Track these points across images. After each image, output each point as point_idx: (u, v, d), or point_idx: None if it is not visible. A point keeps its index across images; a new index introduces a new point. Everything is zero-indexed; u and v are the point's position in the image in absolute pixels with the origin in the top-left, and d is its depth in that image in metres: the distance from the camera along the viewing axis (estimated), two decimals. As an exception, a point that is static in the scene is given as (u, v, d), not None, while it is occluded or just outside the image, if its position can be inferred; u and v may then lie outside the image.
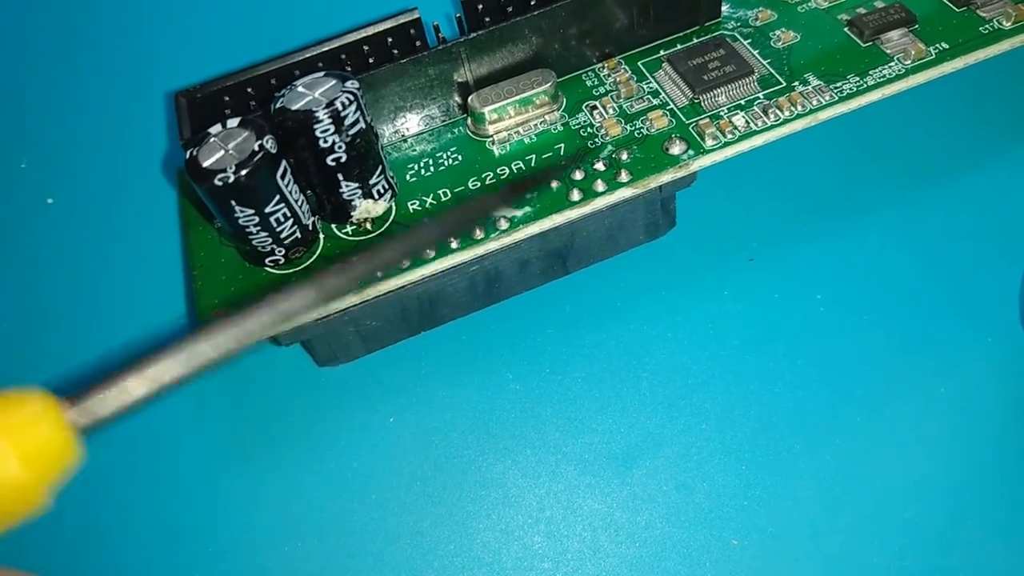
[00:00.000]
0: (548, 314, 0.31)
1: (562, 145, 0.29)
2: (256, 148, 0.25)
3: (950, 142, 0.33)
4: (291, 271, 0.27)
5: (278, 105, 0.25)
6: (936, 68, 0.29)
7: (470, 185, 0.28)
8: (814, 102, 0.28)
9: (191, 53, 0.42)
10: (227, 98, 0.29)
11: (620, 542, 0.27)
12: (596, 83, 0.30)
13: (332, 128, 0.25)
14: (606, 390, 0.29)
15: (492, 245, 0.27)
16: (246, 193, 0.25)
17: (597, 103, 0.30)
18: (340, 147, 0.25)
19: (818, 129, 0.29)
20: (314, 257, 0.27)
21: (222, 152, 0.25)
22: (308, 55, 0.29)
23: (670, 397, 0.29)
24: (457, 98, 0.30)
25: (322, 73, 0.26)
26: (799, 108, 0.28)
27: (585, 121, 0.29)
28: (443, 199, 0.28)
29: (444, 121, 0.30)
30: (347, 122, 0.25)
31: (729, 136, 0.28)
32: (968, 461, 0.27)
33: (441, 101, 0.30)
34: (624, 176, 0.27)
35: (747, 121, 0.28)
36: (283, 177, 0.25)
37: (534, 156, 0.29)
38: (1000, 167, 0.32)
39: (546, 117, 0.29)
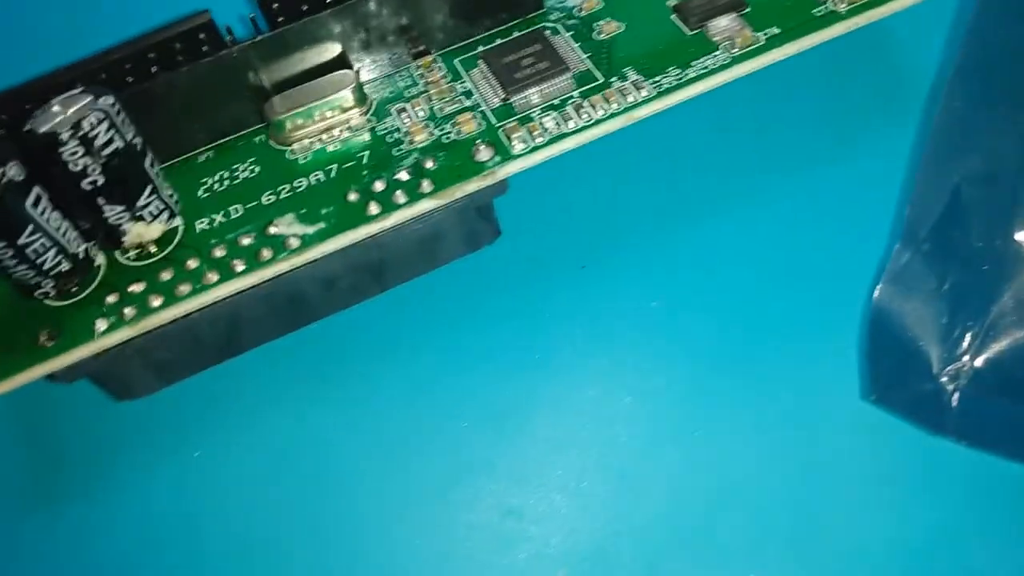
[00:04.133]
0: (364, 334, 0.29)
1: (366, 153, 0.27)
2: (-2, 176, 0.22)
3: (786, 136, 0.31)
4: (67, 302, 0.25)
5: (27, 127, 0.23)
6: (766, 55, 0.27)
7: (264, 200, 0.26)
8: (630, 99, 0.26)
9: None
10: (4, 116, 0.27)
11: (444, 573, 0.25)
12: (409, 84, 0.28)
13: (81, 151, 0.23)
14: (427, 411, 0.28)
15: (282, 266, 0.25)
16: (-7, 227, 0.23)
17: (407, 105, 0.28)
18: (94, 170, 0.23)
19: (646, 125, 0.27)
20: (93, 286, 0.25)
21: (-37, 181, 0.23)
22: (90, 67, 0.26)
23: (496, 417, 0.27)
24: (253, 105, 0.28)
25: (79, 89, 0.24)
26: (614, 106, 0.26)
27: (393, 126, 0.27)
28: (234, 216, 0.26)
29: (240, 131, 0.28)
30: (98, 143, 0.23)
31: (538, 140, 0.26)
32: (812, 479, 0.26)
33: (235, 109, 0.28)
34: (427, 186, 0.25)
35: (558, 123, 0.26)
36: (36, 205, 0.23)
37: (335, 166, 0.27)
38: (840, 160, 0.30)
39: (351, 122, 0.27)
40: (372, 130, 0.27)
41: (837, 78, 0.31)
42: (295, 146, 0.27)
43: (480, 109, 0.27)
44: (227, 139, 0.28)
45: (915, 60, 0.31)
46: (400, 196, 0.25)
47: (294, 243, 0.25)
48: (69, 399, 0.28)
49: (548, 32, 0.28)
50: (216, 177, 0.27)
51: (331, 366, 0.28)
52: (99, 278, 0.25)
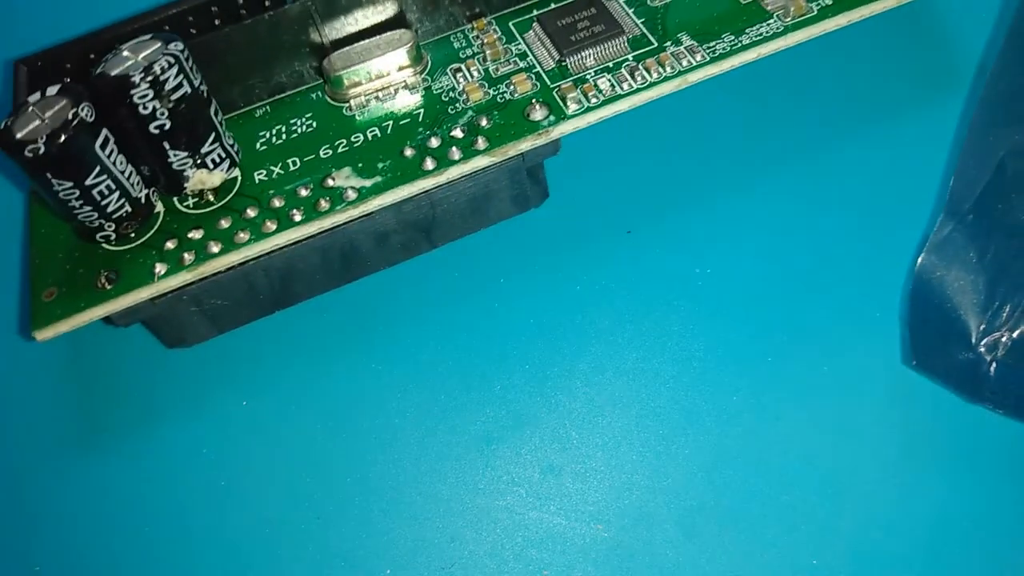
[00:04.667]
0: (413, 291, 0.29)
1: (422, 110, 0.27)
2: (70, 117, 0.23)
3: (834, 108, 0.31)
4: (126, 247, 0.26)
5: (98, 71, 0.24)
6: (817, 26, 0.27)
7: (321, 154, 0.27)
8: (684, 63, 0.27)
9: (32, 18, 0.39)
10: (69, 65, 0.27)
11: (481, 528, 0.26)
12: (464, 45, 0.29)
13: (151, 94, 0.23)
14: (472, 370, 0.28)
15: (339, 217, 0.25)
16: (61, 165, 0.23)
17: (462, 66, 0.28)
18: (163, 114, 0.24)
19: (697, 94, 0.27)
20: (152, 231, 0.26)
21: (37, 122, 0.23)
22: (154, 18, 0.27)
23: (539, 377, 0.28)
24: (313, 61, 0.28)
25: (149, 36, 0.24)
26: (668, 70, 0.26)
27: (448, 85, 0.28)
28: (292, 168, 0.27)
29: (299, 86, 0.29)
30: (168, 87, 0.23)
31: (593, 100, 0.26)
32: (849, 444, 0.26)
33: (295, 64, 0.28)
34: (481, 143, 0.26)
35: (612, 84, 0.26)
36: (104, 147, 0.24)
37: (391, 123, 0.27)
38: (888, 131, 0.30)
39: (407, 81, 0.28)
40: (428, 88, 0.28)
41: (887, 49, 0.31)
42: (352, 102, 0.28)
43: (535, 70, 0.27)
44: (285, 94, 0.29)
45: (965, 33, 0.31)
46: (455, 152, 0.26)
47: (351, 195, 0.25)
48: (124, 344, 0.29)
49: (603, -2, 0.29)
50: (274, 131, 0.28)
51: (379, 322, 0.29)
52: (158, 224, 0.26)
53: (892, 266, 0.28)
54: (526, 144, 0.26)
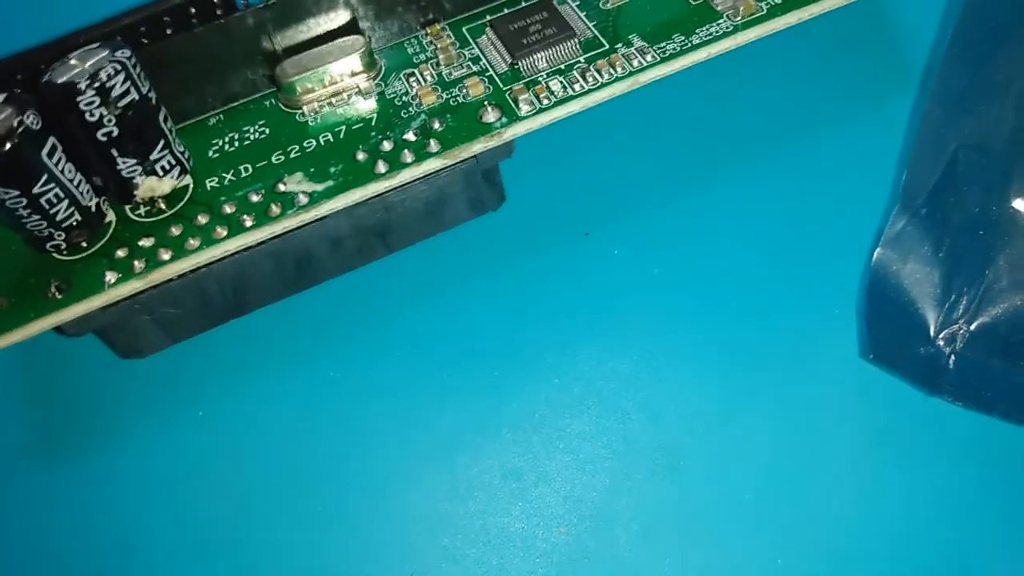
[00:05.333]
0: (370, 297, 0.29)
1: (375, 115, 0.27)
2: (15, 124, 0.23)
3: (788, 104, 0.31)
4: (78, 256, 0.25)
5: (44, 79, 0.24)
6: (766, 24, 0.27)
7: (273, 160, 0.27)
8: (635, 64, 0.27)
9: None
10: (20, 76, 0.27)
11: (442, 534, 0.26)
12: (418, 50, 0.29)
13: (98, 101, 0.23)
14: (431, 376, 0.28)
15: (290, 222, 0.25)
16: (6, 173, 0.23)
17: (416, 71, 0.28)
18: (110, 120, 0.24)
19: (649, 94, 0.28)
20: (104, 240, 0.26)
21: (-20, 131, 0.23)
22: (105, 29, 0.27)
23: (498, 381, 0.28)
24: (266, 69, 0.28)
25: (96, 44, 0.24)
26: (619, 70, 0.27)
27: (401, 90, 0.28)
28: (244, 174, 0.26)
29: (253, 94, 0.29)
30: (114, 93, 0.23)
31: (545, 102, 0.26)
32: (810, 440, 0.26)
33: (248, 72, 0.28)
34: (434, 146, 0.26)
35: (564, 86, 0.26)
36: (51, 155, 0.23)
37: (344, 128, 0.27)
38: (840, 126, 0.30)
39: (360, 86, 0.28)
40: (381, 94, 0.28)
41: (837, 46, 0.31)
42: (305, 108, 0.28)
43: (487, 74, 0.28)
44: (238, 103, 0.28)
45: (914, 28, 0.31)
46: (407, 155, 0.26)
47: (303, 199, 0.25)
48: (76, 355, 0.28)
49: (555, 1, 0.29)
50: (226, 138, 0.27)
51: (336, 329, 0.29)
52: (109, 233, 0.26)
53: (848, 261, 0.28)
54: (479, 146, 0.26)
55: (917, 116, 0.28)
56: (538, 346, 0.28)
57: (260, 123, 0.28)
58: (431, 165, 0.26)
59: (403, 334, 0.28)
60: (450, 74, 0.28)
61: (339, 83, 0.28)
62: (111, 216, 0.26)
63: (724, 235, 0.29)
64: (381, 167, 0.26)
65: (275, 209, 0.25)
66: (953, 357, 0.25)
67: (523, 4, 0.29)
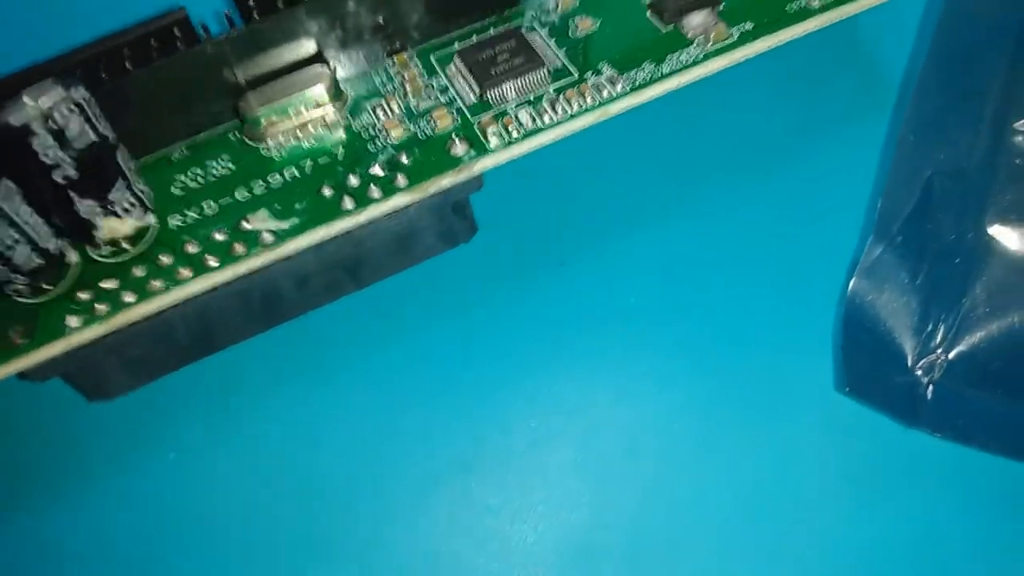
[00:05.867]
0: (341, 333, 0.29)
1: (341, 149, 0.27)
2: (-36, 167, 0.22)
3: (760, 132, 0.31)
4: (41, 300, 0.25)
5: (-5, 120, 0.23)
6: (738, 51, 0.27)
7: (238, 196, 0.26)
8: (604, 94, 0.26)
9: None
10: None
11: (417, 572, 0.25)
12: (385, 79, 0.28)
13: (52, 142, 0.23)
14: (406, 412, 0.27)
15: (255, 262, 0.25)
16: (-40, 219, 0.22)
17: (382, 102, 0.27)
18: (67, 162, 0.23)
19: (622, 122, 0.27)
20: (68, 283, 0.25)
21: (-69, 174, 0.22)
22: (62, 65, 0.26)
23: (474, 415, 0.27)
24: (229, 101, 0.28)
25: (51, 79, 0.24)
26: (588, 101, 0.26)
27: (369, 122, 0.27)
28: (208, 212, 0.26)
29: (216, 126, 0.28)
30: (69, 134, 0.23)
31: (514, 134, 0.26)
32: (787, 472, 0.26)
33: (211, 105, 0.27)
34: (401, 181, 0.25)
35: (533, 117, 0.26)
36: (6, 199, 0.23)
37: (309, 162, 0.26)
38: (813, 155, 0.30)
39: (326, 118, 0.27)
40: (347, 127, 0.27)
41: (810, 75, 0.31)
42: (270, 142, 0.27)
43: (456, 105, 0.27)
44: (202, 135, 0.28)
45: (887, 56, 0.31)
46: (374, 191, 0.25)
47: (268, 238, 0.25)
48: (41, 399, 0.28)
49: (524, 29, 0.28)
50: (189, 174, 0.27)
51: (308, 366, 0.28)
52: (72, 275, 0.25)
53: (823, 291, 0.27)
54: (447, 180, 0.25)
55: (892, 142, 0.28)
56: (514, 378, 0.28)
57: (224, 157, 0.27)
58: (399, 201, 0.25)
59: (377, 369, 0.28)
60: (418, 105, 0.27)
61: (305, 115, 0.27)
62: (74, 257, 0.25)
63: (699, 264, 0.29)
64: (348, 203, 0.25)
65: (239, 249, 0.25)
66: (931, 387, 0.24)
67: (491, 33, 0.29)
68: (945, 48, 0.26)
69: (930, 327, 0.25)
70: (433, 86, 0.28)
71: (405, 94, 0.28)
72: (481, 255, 0.29)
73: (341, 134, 0.27)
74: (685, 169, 0.30)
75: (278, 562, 0.25)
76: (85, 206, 0.24)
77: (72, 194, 0.24)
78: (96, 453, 0.27)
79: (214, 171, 0.27)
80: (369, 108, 0.27)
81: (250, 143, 0.27)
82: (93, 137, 0.23)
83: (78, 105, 0.23)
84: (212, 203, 0.26)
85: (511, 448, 0.27)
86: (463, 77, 0.28)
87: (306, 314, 0.28)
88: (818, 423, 0.26)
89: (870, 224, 0.26)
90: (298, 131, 0.27)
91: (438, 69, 0.28)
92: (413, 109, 0.27)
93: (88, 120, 0.23)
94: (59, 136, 0.23)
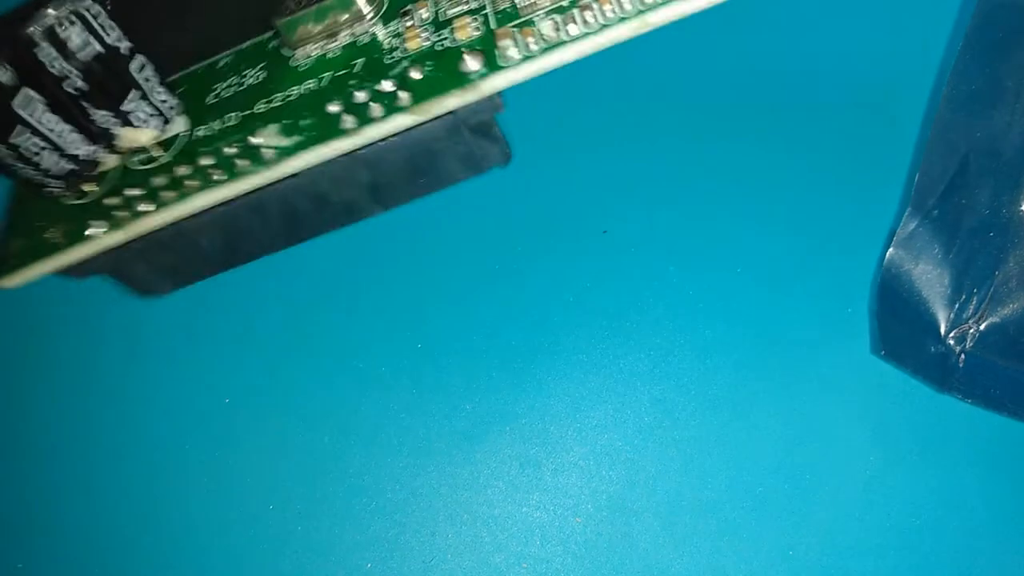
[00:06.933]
0: (378, 281, 0.28)
1: (360, 60, 0.25)
2: (-16, 76, 0.23)
3: (798, 97, 0.28)
4: (77, 203, 0.26)
5: (19, 30, 0.24)
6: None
7: (256, 109, 0.25)
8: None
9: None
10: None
11: (461, 523, 0.26)
12: (423, -16, 0.25)
13: (56, 54, 0.23)
14: (449, 365, 0.27)
15: (256, 179, 0.24)
16: (-18, 126, 0.24)
17: (412, 6, 0.25)
18: (74, 73, 0.23)
19: (661, 37, 0.23)
20: (102, 187, 0.26)
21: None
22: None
23: (519, 369, 0.27)
24: (270, 8, 0.26)
25: (78, -8, 0.24)
26: (626, 7, 0.22)
27: (394, 30, 0.25)
28: (229, 123, 0.25)
29: (260, 35, 0.27)
30: (71, 46, 0.23)
31: (532, 48, 0.22)
32: (822, 435, 0.25)
33: (255, 12, 0.26)
34: (404, 99, 0.23)
35: (556, 28, 0.22)
36: (26, 106, 0.24)
37: (328, 74, 0.25)
38: (856, 125, 0.28)
39: (354, 28, 0.25)
40: (373, 35, 0.25)
41: (850, 49, 0.28)
42: (297, 52, 0.26)
43: (484, 11, 0.24)
44: (246, 44, 0.27)
45: (928, 30, 0.28)
46: (376, 109, 0.23)
47: (269, 154, 0.24)
48: (93, 294, 0.29)
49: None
50: (227, 83, 0.26)
51: (353, 313, 0.28)
52: (111, 180, 0.26)
53: (861, 260, 0.26)
54: (453, 101, 0.23)
55: (929, 119, 0.27)
56: (554, 337, 0.27)
57: (260, 66, 0.26)
58: (400, 121, 0.23)
59: (417, 324, 0.27)
60: (446, 12, 0.24)
61: (335, 21, 0.25)
62: (112, 162, 0.26)
63: (740, 230, 0.27)
64: (348, 121, 0.23)
65: (242, 164, 0.24)
66: (963, 356, 0.24)
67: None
68: (984, 29, 0.25)
69: (963, 298, 0.25)
70: (466, -11, 0.25)
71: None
72: (520, 182, 0.27)
73: (366, 43, 0.25)
74: (724, 136, 0.28)
75: (322, 504, 0.26)
76: (100, 116, 0.24)
77: (84, 104, 0.24)
78: (140, 347, 0.29)
79: (247, 81, 0.26)
80: (399, 16, 0.25)
81: (284, 52, 0.26)
82: (99, 48, 0.23)
83: (77, 15, 0.23)
84: (235, 114, 0.25)
85: (551, 405, 0.26)
86: (500, -23, 0.24)
87: (332, 231, 0.27)
88: (856, 386, 0.25)
89: (907, 197, 0.25)
90: (328, 41, 0.26)
91: (476, -30, 0.25)
92: (441, 16, 0.24)
93: (90, 30, 0.23)
94: (61, 47, 0.23)
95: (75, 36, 0.23)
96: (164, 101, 0.25)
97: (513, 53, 0.22)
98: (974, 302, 0.24)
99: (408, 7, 0.25)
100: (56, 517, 0.27)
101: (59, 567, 0.27)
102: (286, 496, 0.26)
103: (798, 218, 0.27)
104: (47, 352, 0.29)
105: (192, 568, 0.26)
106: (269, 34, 0.27)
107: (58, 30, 0.23)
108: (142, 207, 0.25)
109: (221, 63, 0.27)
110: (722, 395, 0.26)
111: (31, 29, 0.23)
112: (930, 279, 0.25)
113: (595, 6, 0.22)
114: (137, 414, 0.28)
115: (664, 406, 0.25)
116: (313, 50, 0.26)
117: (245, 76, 0.26)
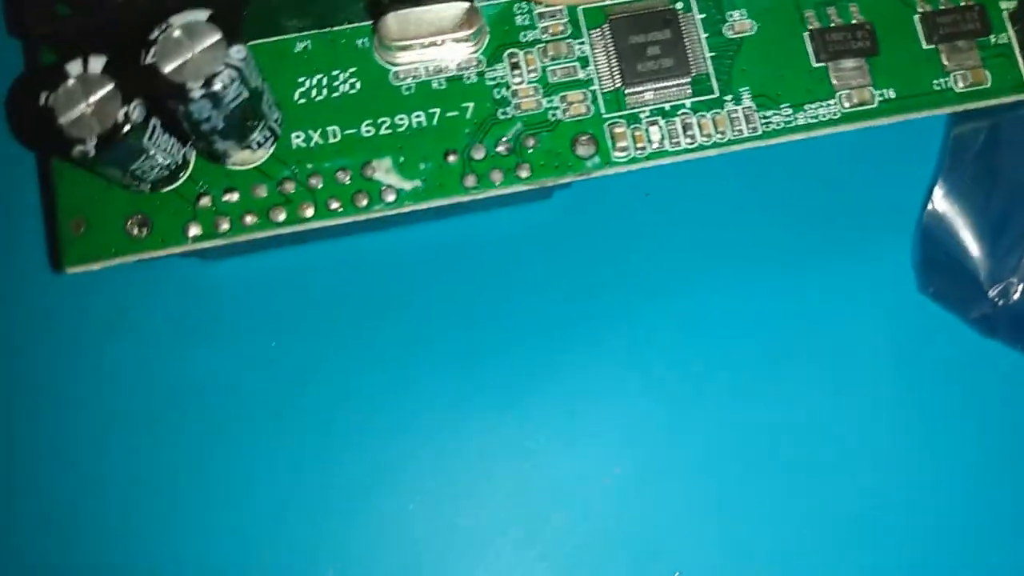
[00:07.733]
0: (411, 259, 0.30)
1: (471, 105, 0.26)
2: (121, 118, 0.22)
3: None
4: (163, 191, 0.26)
5: (149, 60, 0.21)
6: (871, 120, 0.27)
7: (363, 131, 0.26)
8: (735, 131, 0.26)
9: None
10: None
11: (511, 460, 0.29)
12: (528, 23, 0.27)
13: (210, 105, 0.22)
14: (500, 323, 0.30)
15: (373, 216, 0.26)
16: (106, 160, 0.22)
17: (520, 55, 0.27)
18: (218, 119, 0.23)
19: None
20: (184, 179, 0.26)
21: (83, 107, 0.22)
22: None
23: (567, 323, 0.30)
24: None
25: (204, 15, 0.22)
26: (720, 136, 0.26)
27: (502, 78, 0.26)
28: (331, 139, 0.26)
29: (346, 24, 0.26)
30: (227, 100, 0.22)
31: (639, 151, 0.26)
32: (864, 380, 0.29)
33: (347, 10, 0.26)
34: (523, 172, 0.26)
35: (662, 136, 0.26)
36: (151, 136, 0.23)
37: (437, 112, 0.26)
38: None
39: (460, 57, 0.26)
40: (481, 74, 0.26)
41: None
42: (399, 70, 0.26)
43: (591, 86, 0.27)
44: (329, 29, 0.26)
45: None
46: (496, 175, 0.26)
47: (389, 196, 0.26)
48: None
49: (680, 7, 0.27)
50: (314, 80, 0.26)
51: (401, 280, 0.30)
52: (189, 172, 0.26)
53: (904, 209, 0.30)
54: (567, 179, 0.26)
55: None
56: (603, 296, 0.30)
57: (351, 70, 0.26)
58: (515, 188, 0.26)
59: (464, 294, 0.30)
60: (555, 72, 0.27)
61: (436, 44, 0.26)
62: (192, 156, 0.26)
63: (789, 175, 0.30)
64: (470, 181, 0.26)
65: (362, 200, 0.26)
66: (1006, 310, 0.27)
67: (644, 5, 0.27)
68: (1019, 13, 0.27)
69: (1003, 253, 0.27)
70: (574, 51, 0.27)
71: (545, 52, 0.27)
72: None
73: (474, 80, 0.26)
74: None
75: (370, 444, 0.29)
76: (225, 145, 0.24)
77: (215, 138, 0.23)
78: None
79: (339, 86, 0.26)
80: (506, 58, 0.27)
81: (380, 62, 0.26)
82: (246, 95, 0.22)
83: (238, 70, 0.22)
84: (336, 128, 0.26)
85: (599, 363, 0.29)
86: (606, 53, 0.27)
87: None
88: (900, 327, 0.29)
89: (944, 155, 0.28)
90: (428, 65, 0.26)
91: (583, 30, 0.27)
92: (548, 76, 0.27)
93: (244, 81, 0.22)
94: (215, 100, 0.22)
95: (233, 89, 0.22)
96: (277, 119, 0.25)
97: (623, 151, 0.26)
98: (1015, 258, 0.26)
99: (514, 50, 0.27)
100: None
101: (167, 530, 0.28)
102: (328, 432, 0.29)
103: (846, 169, 0.30)
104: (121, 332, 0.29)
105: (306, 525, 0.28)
106: (356, 26, 0.26)
107: (217, 86, 0.21)
108: (248, 219, 0.25)
109: (299, 47, 0.26)
110: (764, 341, 0.29)
111: (185, 75, 0.21)
112: (971, 234, 0.27)
113: (695, 122, 0.26)
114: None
115: (705, 356, 0.29)
116: (414, 71, 0.26)
117: (336, 78, 0.26)
